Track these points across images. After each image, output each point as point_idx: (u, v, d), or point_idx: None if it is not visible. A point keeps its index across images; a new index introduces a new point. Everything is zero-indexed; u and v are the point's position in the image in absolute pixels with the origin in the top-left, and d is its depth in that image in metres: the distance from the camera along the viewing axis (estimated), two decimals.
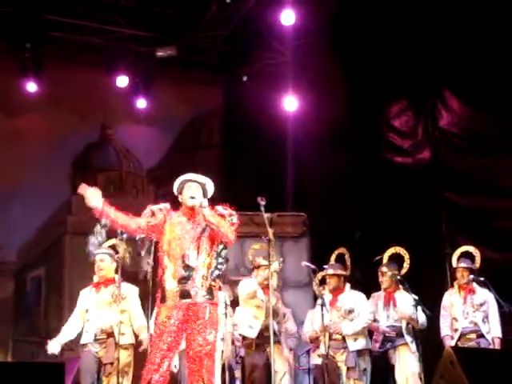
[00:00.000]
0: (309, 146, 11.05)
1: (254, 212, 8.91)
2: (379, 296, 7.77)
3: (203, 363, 5.37)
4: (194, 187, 5.66)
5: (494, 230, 9.28)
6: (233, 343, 7.58)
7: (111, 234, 7.16)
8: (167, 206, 5.69)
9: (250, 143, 11.78)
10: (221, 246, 5.71)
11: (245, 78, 11.66)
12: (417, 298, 7.39)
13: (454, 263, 7.82)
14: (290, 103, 11.40)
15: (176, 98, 12.28)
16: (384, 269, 7.71)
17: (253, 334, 7.36)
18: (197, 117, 12.96)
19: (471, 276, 7.62)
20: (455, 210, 9.81)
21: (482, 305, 7.54)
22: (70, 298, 11.63)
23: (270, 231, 6.03)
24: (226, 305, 7.36)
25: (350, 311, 7.55)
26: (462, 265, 7.71)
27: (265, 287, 7.36)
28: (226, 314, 7.28)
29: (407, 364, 7.42)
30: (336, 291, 7.62)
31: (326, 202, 10.87)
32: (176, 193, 5.75)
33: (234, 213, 5.71)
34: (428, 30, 9.79)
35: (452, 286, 7.99)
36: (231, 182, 12.15)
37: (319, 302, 7.32)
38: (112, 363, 6.77)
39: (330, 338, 7.34)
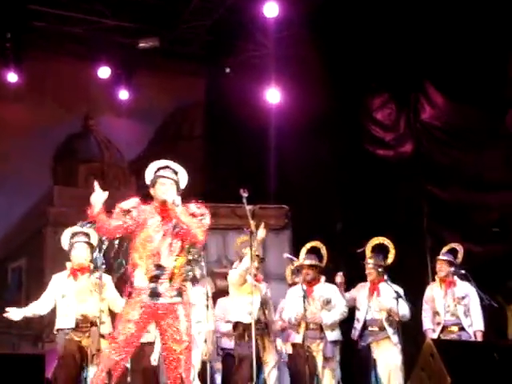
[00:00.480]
0: (291, 139, 11.04)
1: (236, 204, 8.95)
2: (364, 286, 7.80)
3: (180, 362, 5.36)
4: (168, 184, 5.55)
5: (475, 223, 9.34)
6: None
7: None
8: (137, 200, 5.59)
9: (232, 135, 11.76)
10: (191, 246, 5.66)
11: (228, 70, 11.62)
12: (398, 290, 7.42)
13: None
14: (273, 95, 11.39)
15: (158, 89, 12.23)
16: (369, 260, 7.73)
17: (250, 319, 7.28)
18: (179, 108, 12.93)
19: (452, 269, 7.65)
20: (437, 203, 9.86)
21: (463, 298, 7.58)
22: None
23: (252, 223, 6.03)
24: (208, 297, 7.34)
25: (328, 302, 7.58)
26: (442, 257, 7.75)
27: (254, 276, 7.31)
28: (207, 306, 7.26)
29: (389, 358, 7.45)
30: (312, 282, 7.63)
31: (308, 194, 10.89)
32: (148, 183, 5.65)
33: (206, 212, 5.60)
34: (411, 22, 9.80)
35: (434, 279, 8.02)
36: (213, 174, 12.17)
37: (300, 294, 7.32)
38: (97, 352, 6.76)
39: (307, 328, 7.36)
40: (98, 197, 5.42)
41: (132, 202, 5.56)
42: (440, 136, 10.02)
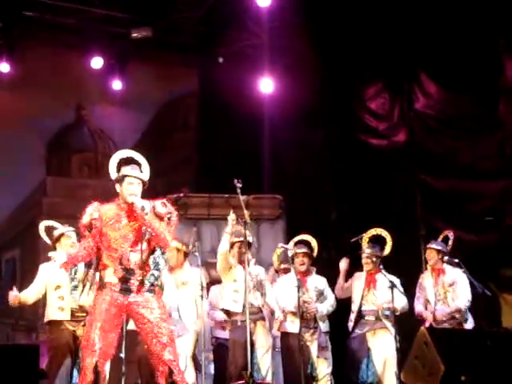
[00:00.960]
0: (285, 128, 11.04)
1: (230, 194, 8.96)
2: (360, 276, 7.79)
3: (164, 352, 5.37)
4: (136, 184, 5.47)
5: (468, 212, 9.36)
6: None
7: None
8: (94, 206, 5.51)
9: (226, 125, 11.75)
10: (157, 249, 5.63)
11: (221, 60, 11.62)
12: (394, 280, 7.42)
13: None
14: (266, 85, 11.37)
15: (152, 79, 12.21)
16: (366, 250, 7.71)
17: (238, 308, 7.28)
18: (173, 98, 12.90)
19: (445, 257, 7.66)
20: (430, 192, 9.87)
21: (451, 285, 7.59)
22: None
23: (247, 213, 6.02)
24: (203, 287, 7.35)
25: (321, 293, 7.62)
26: (430, 245, 7.76)
27: (241, 262, 7.30)
28: (201, 296, 7.27)
29: (385, 346, 7.45)
30: (306, 273, 7.65)
31: (302, 184, 10.90)
32: (112, 177, 5.53)
33: (172, 210, 5.55)
34: (404, 12, 9.80)
35: (426, 268, 8.04)
36: (207, 164, 12.16)
37: (294, 283, 7.32)
38: None
39: (302, 318, 7.37)
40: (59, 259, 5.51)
41: (90, 212, 5.47)
42: (433, 125, 10.03)
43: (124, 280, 5.40)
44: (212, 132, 12.26)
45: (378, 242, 7.82)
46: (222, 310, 7.48)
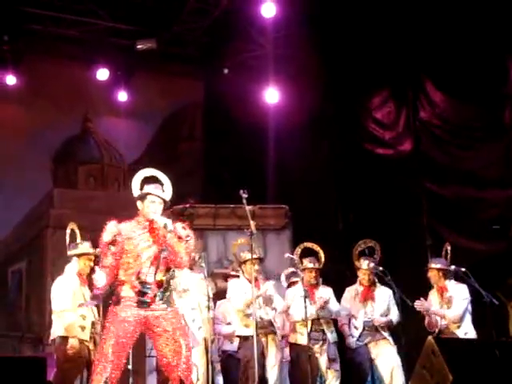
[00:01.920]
0: (290, 138, 11.04)
1: (236, 205, 8.96)
2: (356, 291, 7.76)
3: (180, 363, 5.39)
4: (157, 202, 5.57)
5: (475, 220, 9.33)
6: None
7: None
8: (114, 224, 5.56)
9: (231, 136, 11.77)
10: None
11: (226, 71, 11.64)
12: (396, 290, 7.41)
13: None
14: (271, 95, 11.39)
15: (157, 90, 12.23)
16: (363, 266, 7.67)
17: (250, 332, 7.29)
18: (178, 109, 12.92)
19: (452, 267, 7.61)
20: (437, 201, 9.85)
21: (450, 301, 7.55)
22: None
23: (252, 224, 6.02)
24: (209, 298, 7.34)
25: (327, 302, 7.61)
26: (431, 266, 7.68)
27: (254, 280, 7.32)
28: (208, 307, 7.26)
29: (389, 357, 7.46)
30: (314, 285, 7.64)
31: (307, 193, 10.89)
32: (134, 194, 5.64)
33: (191, 234, 5.62)
34: (409, 20, 9.81)
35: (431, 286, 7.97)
36: (213, 174, 12.17)
37: (301, 293, 7.32)
38: None
39: (311, 330, 7.36)
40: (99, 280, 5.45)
41: (111, 229, 5.53)
42: (439, 134, 10.02)
43: (140, 294, 5.45)
44: (217, 142, 12.27)
45: (369, 254, 7.80)
46: (229, 323, 7.48)
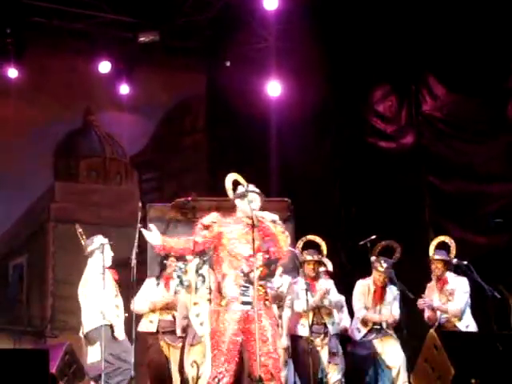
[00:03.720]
0: (293, 131, 11.03)
1: None
2: (367, 287, 7.76)
3: (270, 360, 5.48)
4: (258, 200, 5.84)
5: (477, 214, 9.32)
6: None
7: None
8: (217, 215, 5.79)
9: (234, 128, 11.77)
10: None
11: (228, 63, 11.62)
12: (401, 287, 7.42)
13: (431, 253, 7.81)
14: (274, 88, 11.37)
15: (159, 83, 12.23)
16: (379, 268, 7.67)
17: None
18: (180, 102, 12.91)
19: (455, 260, 7.61)
20: (439, 195, 9.84)
21: (451, 294, 7.55)
22: (54, 285, 11.61)
23: (255, 217, 6.01)
24: (211, 290, 7.33)
25: (327, 293, 7.63)
26: (436, 257, 7.70)
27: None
28: (209, 300, 7.25)
29: (395, 352, 7.49)
30: (314, 277, 7.66)
31: (310, 186, 10.88)
32: (229, 194, 5.88)
33: (278, 221, 5.81)
34: (412, 14, 9.78)
35: (430, 278, 7.98)
36: (215, 167, 12.16)
37: (303, 286, 7.33)
38: None
39: (313, 323, 7.38)
40: (151, 237, 5.64)
41: (212, 217, 5.76)
42: (441, 127, 9.99)
43: (243, 289, 5.58)
44: (220, 135, 12.27)
45: (388, 251, 7.80)
46: None
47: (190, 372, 7.19)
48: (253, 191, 5.85)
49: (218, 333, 5.49)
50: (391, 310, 7.58)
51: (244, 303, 5.55)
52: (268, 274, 5.81)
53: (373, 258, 7.67)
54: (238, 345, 5.50)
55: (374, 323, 7.60)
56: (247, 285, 5.56)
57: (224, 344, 5.43)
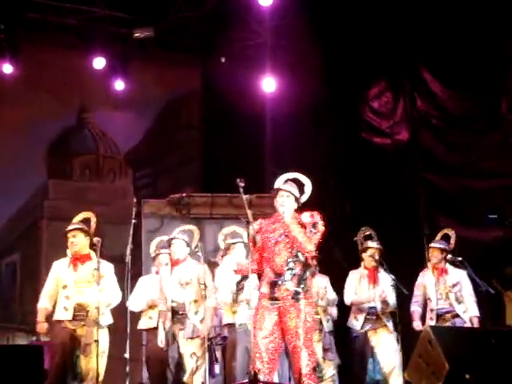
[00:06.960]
0: (287, 127, 11.04)
1: (232, 194, 8.94)
2: (361, 274, 7.80)
3: (300, 356, 5.59)
4: (285, 196, 5.94)
5: (472, 210, 9.36)
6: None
7: None
8: (258, 223, 5.96)
9: (229, 124, 11.77)
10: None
11: (223, 60, 11.60)
12: (394, 278, 7.44)
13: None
14: (269, 84, 11.36)
15: (154, 79, 12.19)
16: (372, 245, 7.74)
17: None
18: (175, 98, 12.86)
19: (449, 256, 7.65)
20: (434, 191, 9.87)
21: (454, 286, 7.58)
22: None
23: (249, 213, 6.01)
24: (205, 286, 7.34)
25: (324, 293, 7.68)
26: (434, 245, 7.75)
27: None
28: (205, 296, 7.26)
29: (388, 345, 7.50)
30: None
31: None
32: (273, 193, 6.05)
33: (318, 220, 5.90)
34: (407, 10, 9.79)
35: (426, 266, 8.03)
36: (210, 163, 12.17)
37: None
38: (91, 343, 6.75)
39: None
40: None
41: (255, 227, 5.89)
42: (436, 123, 10.03)
43: (273, 285, 5.74)
44: (215, 132, 12.27)
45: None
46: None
47: (190, 363, 7.21)
48: (282, 189, 5.96)
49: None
50: (386, 296, 7.57)
51: (274, 299, 5.69)
52: (299, 274, 5.79)
53: (358, 239, 7.77)
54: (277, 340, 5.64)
55: (369, 313, 7.62)
56: (279, 282, 5.70)
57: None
